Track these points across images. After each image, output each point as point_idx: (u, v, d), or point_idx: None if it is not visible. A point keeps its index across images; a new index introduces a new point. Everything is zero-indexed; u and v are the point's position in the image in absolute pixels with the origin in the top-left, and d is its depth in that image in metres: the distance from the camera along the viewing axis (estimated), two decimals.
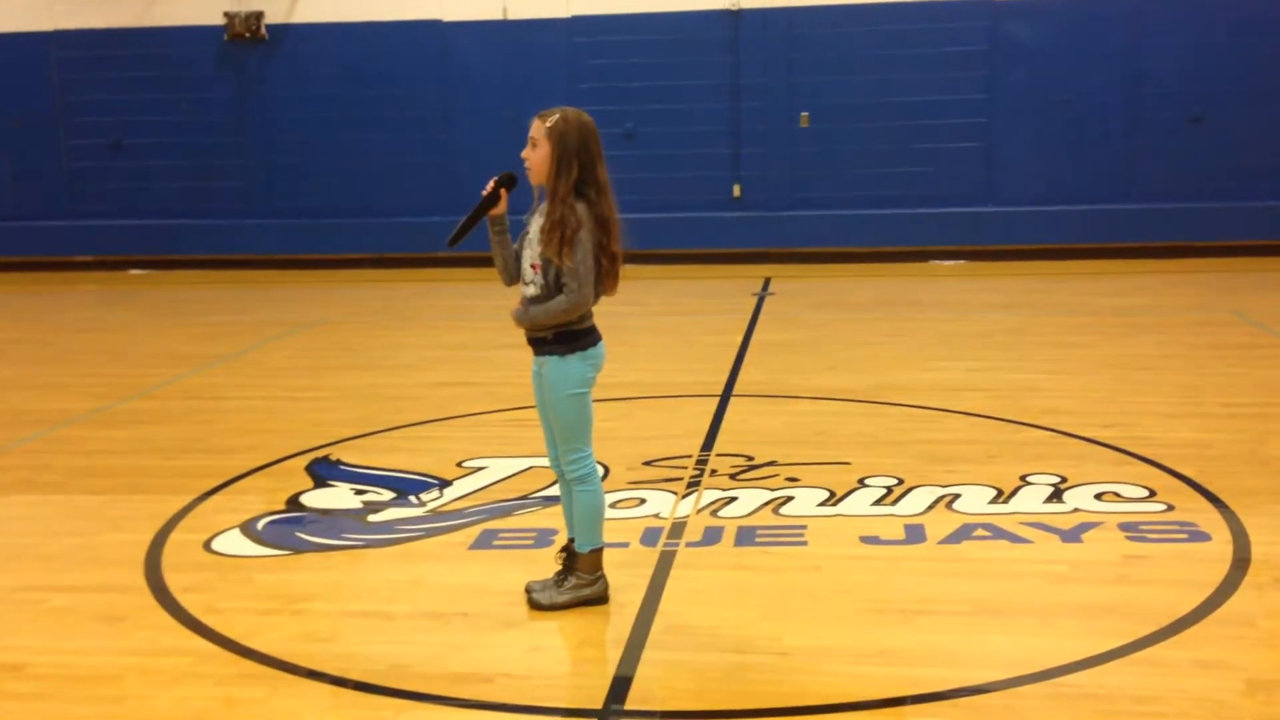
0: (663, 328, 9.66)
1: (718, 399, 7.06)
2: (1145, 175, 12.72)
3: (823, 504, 5.12)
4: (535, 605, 4.11)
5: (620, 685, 3.56)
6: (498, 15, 13.26)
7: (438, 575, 4.48)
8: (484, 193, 3.94)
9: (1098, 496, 5.11)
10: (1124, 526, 4.76)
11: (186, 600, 4.27)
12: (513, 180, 3.98)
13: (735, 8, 12.94)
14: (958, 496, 5.15)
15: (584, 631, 3.97)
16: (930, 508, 5.03)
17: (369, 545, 4.82)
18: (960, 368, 7.81)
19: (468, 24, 13.30)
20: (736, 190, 13.24)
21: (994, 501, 5.09)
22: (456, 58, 13.35)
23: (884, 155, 12.94)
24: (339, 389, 7.65)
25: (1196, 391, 7.00)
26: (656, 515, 5.03)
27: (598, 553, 4.11)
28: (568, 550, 4.16)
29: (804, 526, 4.86)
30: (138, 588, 4.41)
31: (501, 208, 3.98)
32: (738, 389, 7.34)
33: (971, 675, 3.56)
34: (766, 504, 5.12)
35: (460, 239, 3.92)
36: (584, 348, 3.95)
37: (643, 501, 5.19)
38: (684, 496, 5.26)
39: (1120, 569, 4.36)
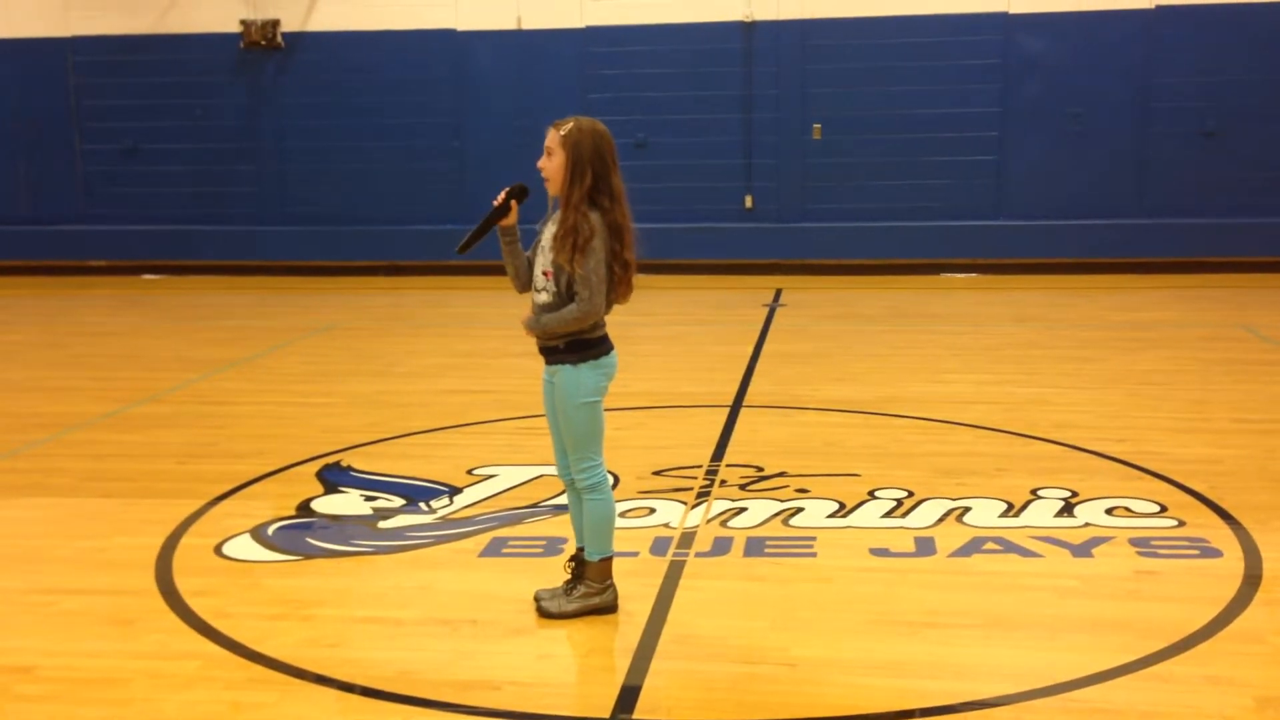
0: (673, 338, 9.66)
1: (728, 409, 7.06)
2: (1157, 189, 12.70)
3: (832, 515, 5.11)
4: (544, 613, 4.11)
5: (628, 694, 3.56)
6: (512, 25, 13.31)
7: (447, 582, 4.48)
8: (495, 203, 3.96)
9: (1108, 511, 5.10)
10: (1135, 542, 4.75)
11: (196, 604, 4.28)
12: (524, 191, 4.00)
13: (749, 19, 12.97)
14: (968, 510, 5.14)
15: (592, 640, 3.97)
16: (940, 520, 5.02)
17: (378, 551, 4.83)
18: (971, 380, 7.81)
19: (482, 34, 13.35)
20: (748, 201, 13.25)
21: (1004, 515, 5.08)
22: (470, 67, 13.41)
23: (896, 167, 12.94)
24: (350, 395, 7.67)
25: (1207, 407, 6.98)
26: (666, 525, 5.03)
27: (607, 562, 4.11)
28: (577, 559, 4.17)
29: (813, 538, 4.86)
30: (148, 591, 4.42)
31: (512, 218, 3.99)
32: (748, 399, 7.34)
33: (980, 689, 3.55)
34: (776, 515, 5.12)
35: (469, 247, 3.95)
36: (596, 357, 3.96)
37: (652, 511, 5.20)
38: (694, 506, 5.26)
39: (1131, 584, 4.35)
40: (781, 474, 5.71)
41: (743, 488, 5.52)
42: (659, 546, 4.78)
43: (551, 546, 4.79)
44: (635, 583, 4.34)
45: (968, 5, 12.66)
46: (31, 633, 4.10)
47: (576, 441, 4.00)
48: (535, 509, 5.28)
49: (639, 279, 4.00)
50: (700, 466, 5.86)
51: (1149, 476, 5.61)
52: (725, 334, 9.73)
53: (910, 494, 5.36)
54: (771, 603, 4.25)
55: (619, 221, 3.88)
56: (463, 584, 4.46)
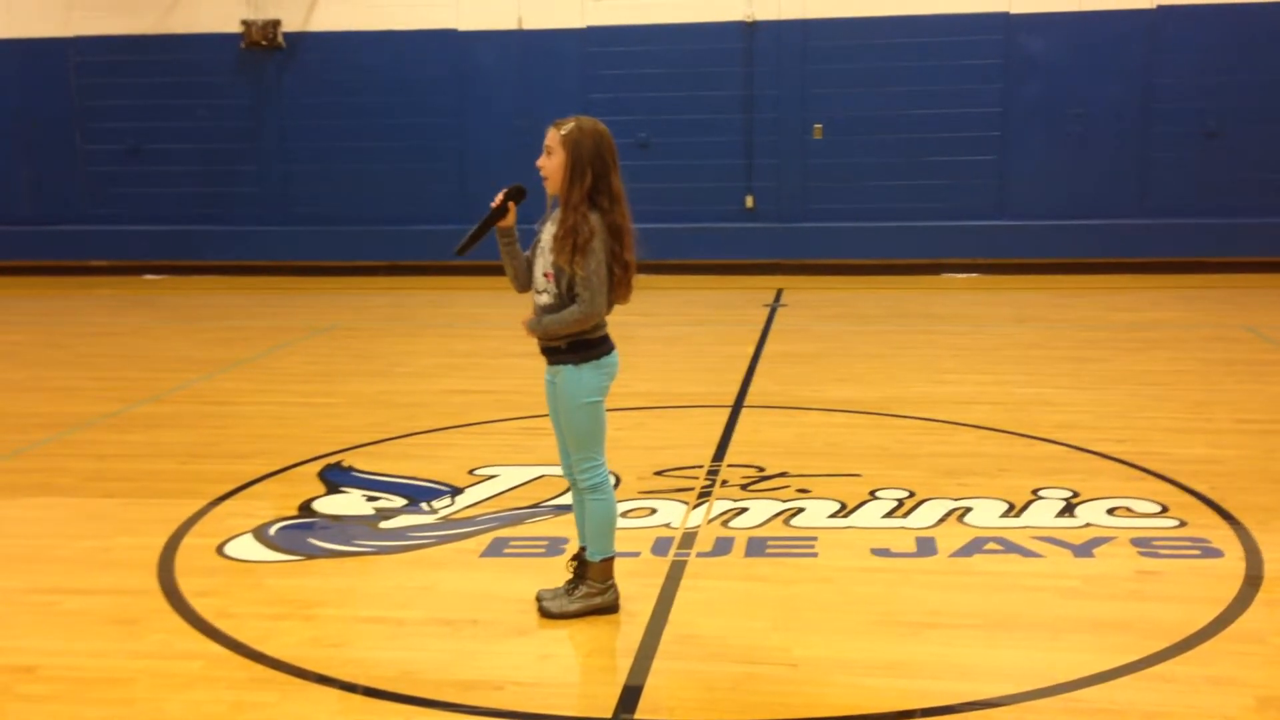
0: (675, 338, 9.67)
1: (729, 409, 7.07)
2: (1159, 190, 12.70)
3: (834, 516, 5.12)
4: (546, 613, 4.12)
5: (630, 694, 3.57)
6: (513, 25, 13.31)
7: (448, 582, 4.49)
8: (493, 205, 3.97)
9: (1110, 511, 5.10)
10: (1136, 542, 4.75)
11: (199, 604, 4.29)
12: (521, 193, 4.00)
13: (749, 19, 12.97)
14: (969, 510, 5.14)
15: (594, 640, 3.97)
16: (941, 521, 5.02)
17: (380, 551, 4.83)
18: (972, 381, 7.81)
19: (483, 34, 13.35)
20: (749, 201, 13.26)
21: (1005, 515, 5.08)
22: (471, 67, 13.41)
23: (897, 167, 12.94)
24: (352, 395, 7.68)
25: (1209, 407, 6.98)
26: (667, 525, 5.03)
27: (609, 562, 4.12)
28: (579, 559, 4.17)
29: (815, 538, 4.86)
30: (150, 591, 4.43)
31: (510, 219, 4.00)
32: (749, 400, 7.34)
33: (982, 689, 3.56)
34: (777, 515, 5.12)
35: (468, 249, 3.97)
36: (598, 357, 3.96)
37: (654, 511, 5.20)
38: (695, 507, 5.26)
39: (1132, 584, 4.35)
40: (783, 474, 5.72)
41: (744, 488, 5.52)
42: (660, 547, 4.78)
43: (553, 546, 4.79)
44: (637, 583, 4.34)
45: (968, 5, 12.67)
46: (34, 633, 4.11)
47: (578, 442, 4.01)
48: (537, 509, 5.28)
49: (639, 279, 4.01)
50: (701, 467, 5.87)
51: (1150, 477, 5.61)
52: (726, 334, 9.74)
53: (911, 494, 5.37)
54: (773, 603, 4.25)
55: (618, 222, 3.88)
56: (464, 584, 4.46)
